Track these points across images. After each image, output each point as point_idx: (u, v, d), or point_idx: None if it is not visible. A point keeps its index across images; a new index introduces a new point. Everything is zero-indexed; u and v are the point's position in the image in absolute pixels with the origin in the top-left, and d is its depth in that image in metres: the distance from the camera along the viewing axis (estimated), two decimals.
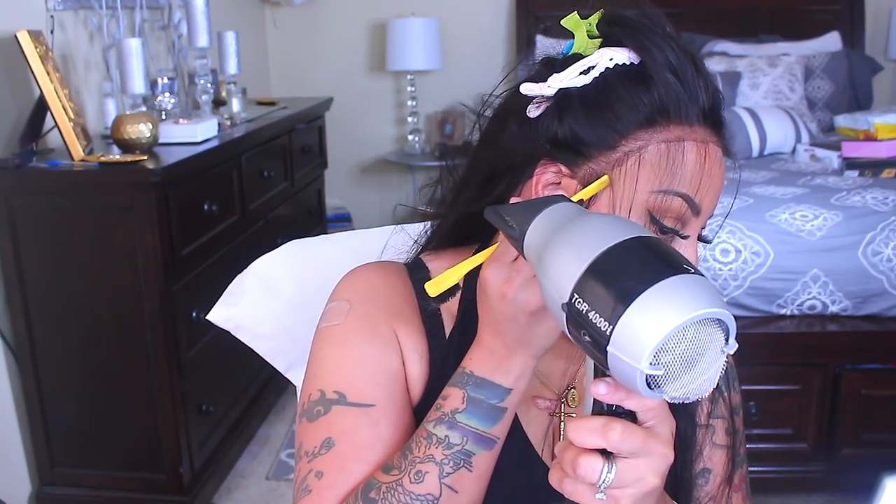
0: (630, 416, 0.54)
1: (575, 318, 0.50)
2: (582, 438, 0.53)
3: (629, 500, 0.53)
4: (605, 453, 0.53)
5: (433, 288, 0.64)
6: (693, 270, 0.48)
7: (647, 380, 0.47)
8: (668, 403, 0.54)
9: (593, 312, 0.48)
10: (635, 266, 0.48)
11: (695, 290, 0.46)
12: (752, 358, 2.06)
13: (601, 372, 0.54)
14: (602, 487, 0.52)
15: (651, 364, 0.46)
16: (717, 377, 0.48)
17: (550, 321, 0.61)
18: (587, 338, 0.49)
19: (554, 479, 0.55)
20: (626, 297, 0.46)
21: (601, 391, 0.53)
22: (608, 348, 0.47)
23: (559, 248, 0.53)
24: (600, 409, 0.54)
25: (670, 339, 0.45)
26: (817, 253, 2.04)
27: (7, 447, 2.03)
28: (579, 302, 0.49)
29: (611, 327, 0.47)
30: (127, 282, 1.92)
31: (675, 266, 0.48)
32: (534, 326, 0.62)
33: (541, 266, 0.55)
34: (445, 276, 0.64)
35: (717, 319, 0.47)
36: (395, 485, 0.65)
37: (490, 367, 0.65)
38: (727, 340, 0.47)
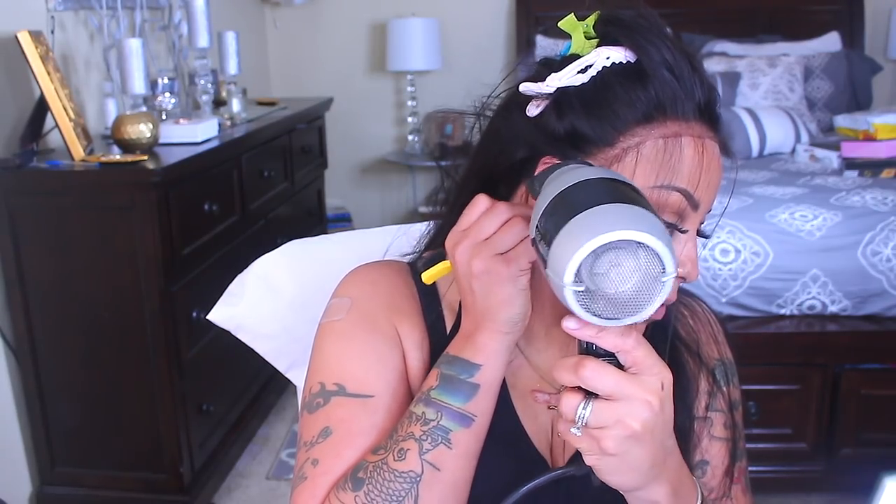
0: (614, 361, 0.56)
1: (538, 251, 0.53)
2: (559, 376, 0.56)
3: (612, 442, 0.55)
4: (588, 394, 0.55)
5: (429, 276, 0.70)
6: (647, 209, 0.50)
7: (579, 301, 0.49)
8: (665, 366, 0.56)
9: (542, 243, 0.52)
10: (582, 198, 0.51)
11: (625, 217, 0.48)
12: (751, 358, 2.06)
13: None
14: (579, 424, 0.55)
15: (575, 281, 0.48)
16: (658, 304, 0.50)
17: (503, 291, 0.63)
18: (546, 269, 0.52)
19: (560, 427, 0.58)
20: (562, 222, 0.49)
21: (570, 326, 0.55)
22: (546, 270, 0.50)
23: (542, 195, 0.56)
24: (583, 351, 0.57)
25: (592, 256, 0.48)
26: (817, 253, 2.04)
27: (7, 447, 2.03)
28: (539, 235, 0.53)
29: (548, 250, 0.50)
30: (127, 282, 1.92)
31: (620, 198, 0.50)
32: (485, 296, 0.64)
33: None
34: (440, 268, 0.69)
35: (653, 250, 0.48)
36: (380, 463, 0.67)
37: (460, 345, 0.68)
38: (665, 270, 0.49)
